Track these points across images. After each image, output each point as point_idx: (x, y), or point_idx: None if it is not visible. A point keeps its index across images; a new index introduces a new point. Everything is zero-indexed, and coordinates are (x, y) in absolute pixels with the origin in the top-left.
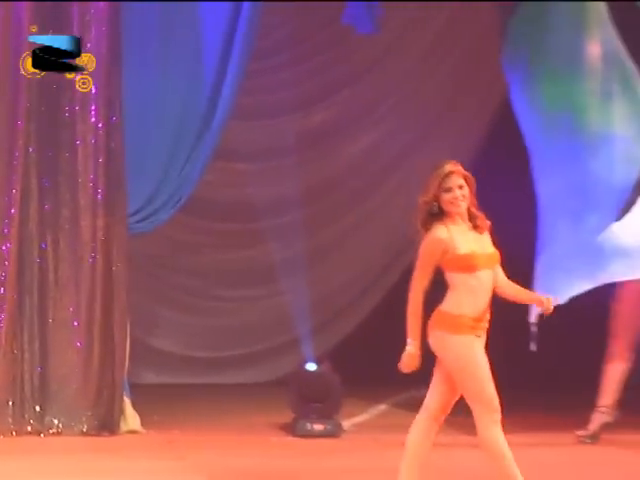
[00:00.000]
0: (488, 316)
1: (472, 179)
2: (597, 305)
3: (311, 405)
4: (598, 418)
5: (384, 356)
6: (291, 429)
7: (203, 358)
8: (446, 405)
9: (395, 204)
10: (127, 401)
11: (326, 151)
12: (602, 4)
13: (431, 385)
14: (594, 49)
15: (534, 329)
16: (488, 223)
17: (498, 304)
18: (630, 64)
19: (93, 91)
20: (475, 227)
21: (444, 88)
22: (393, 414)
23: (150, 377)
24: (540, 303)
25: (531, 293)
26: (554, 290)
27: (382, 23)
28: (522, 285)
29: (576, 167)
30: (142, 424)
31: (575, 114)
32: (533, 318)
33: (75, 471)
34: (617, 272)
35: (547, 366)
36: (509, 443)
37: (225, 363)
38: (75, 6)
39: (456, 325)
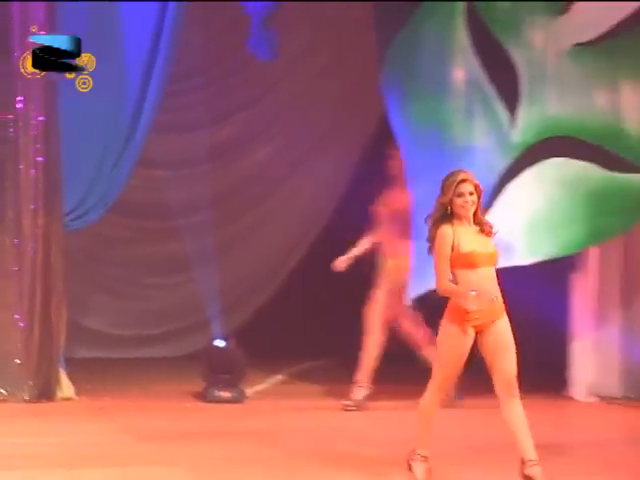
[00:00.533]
0: (497, 306)
1: (481, 189)
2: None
3: (219, 375)
4: (357, 390)
5: (281, 334)
6: (203, 396)
7: (130, 336)
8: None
9: (288, 208)
10: (63, 373)
11: (230, 162)
12: (465, 37)
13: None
14: (458, 74)
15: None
16: (495, 231)
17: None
18: (489, 87)
19: (33, 107)
20: (482, 231)
21: (332, 107)
22: (289, 383)
23: (83, 352)
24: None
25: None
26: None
27: (280, 51)
28: None
29: (443, 175)
30: (76, 392)
31: (442, 129)
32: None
33: (20, 432)
34: None
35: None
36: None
37: (148, 340)
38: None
39: (452, 315)
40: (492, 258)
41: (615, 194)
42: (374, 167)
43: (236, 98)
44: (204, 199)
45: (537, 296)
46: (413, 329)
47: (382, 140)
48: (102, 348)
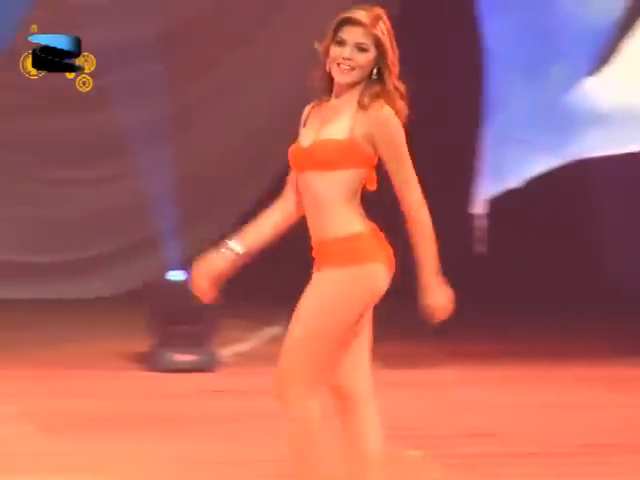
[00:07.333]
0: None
1: (386, 45)
2: (562, 189)
3: (176, 328)
4: None
5: (278, 262)
6: (151, 361)
7: (24, 264)
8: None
9: (274, 58)
10: None
11: None
12: None
13: None
14: None
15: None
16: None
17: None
18: None
19: None
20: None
21: None
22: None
23: None
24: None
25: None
26: (504, 170)
27: None
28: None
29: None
30: None
31: None
32: (480, 208)
33: None
34: (593, 144)
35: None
36: None
37: (54, 271)
38: None
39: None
40: (316, 155)
41: None
42: None
43: None
44: (148, 41)
45: None
46: None
47: None
48: None
